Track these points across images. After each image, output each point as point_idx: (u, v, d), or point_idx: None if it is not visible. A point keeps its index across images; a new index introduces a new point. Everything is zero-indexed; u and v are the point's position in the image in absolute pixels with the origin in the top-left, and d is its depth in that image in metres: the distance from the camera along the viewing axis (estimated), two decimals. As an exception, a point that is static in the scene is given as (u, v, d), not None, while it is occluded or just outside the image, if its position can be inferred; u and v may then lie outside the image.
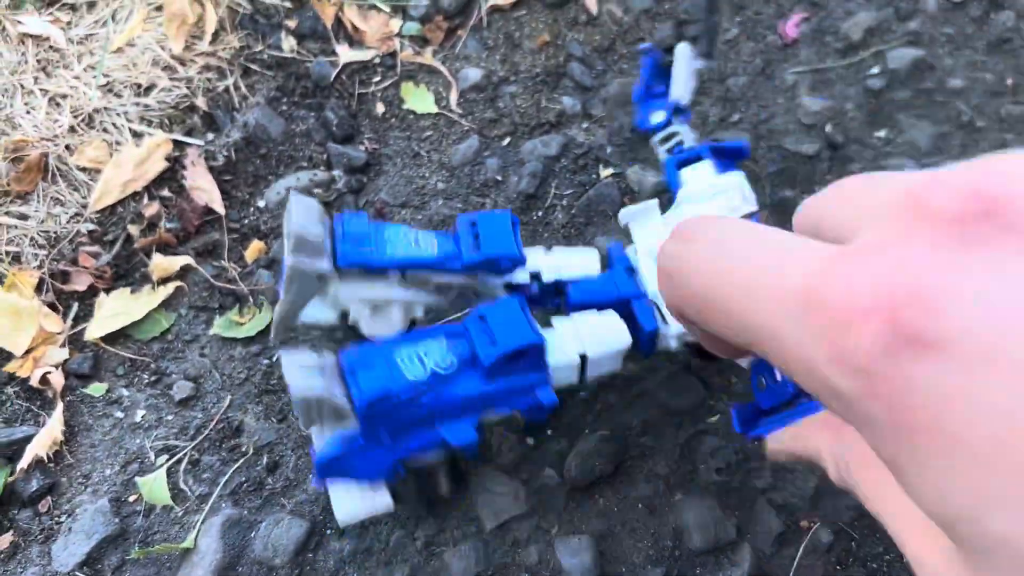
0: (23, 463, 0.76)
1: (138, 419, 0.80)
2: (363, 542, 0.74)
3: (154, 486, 0.76)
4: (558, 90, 0.97)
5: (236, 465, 0.78)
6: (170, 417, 0.80)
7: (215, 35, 0.95)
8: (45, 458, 0.77)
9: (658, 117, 0.76)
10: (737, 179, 0.68)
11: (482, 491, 0.75)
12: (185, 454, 0.78)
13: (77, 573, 0.73)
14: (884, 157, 0.91)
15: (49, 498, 0.77)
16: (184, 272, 0.86)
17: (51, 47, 0.93)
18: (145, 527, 0.76)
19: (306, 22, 0.98)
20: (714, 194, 0.68)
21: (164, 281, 0.85)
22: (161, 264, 0.85)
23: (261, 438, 0.79)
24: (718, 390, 0.80)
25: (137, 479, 0.77)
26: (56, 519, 0.76)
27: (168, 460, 0.78)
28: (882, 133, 0.94)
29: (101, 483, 0.77)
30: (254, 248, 0.87)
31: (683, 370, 0.80)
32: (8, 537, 0.75)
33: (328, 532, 0.74)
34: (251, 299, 0.85)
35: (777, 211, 0.88)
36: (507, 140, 0.94)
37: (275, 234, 0.89)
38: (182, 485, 0.77)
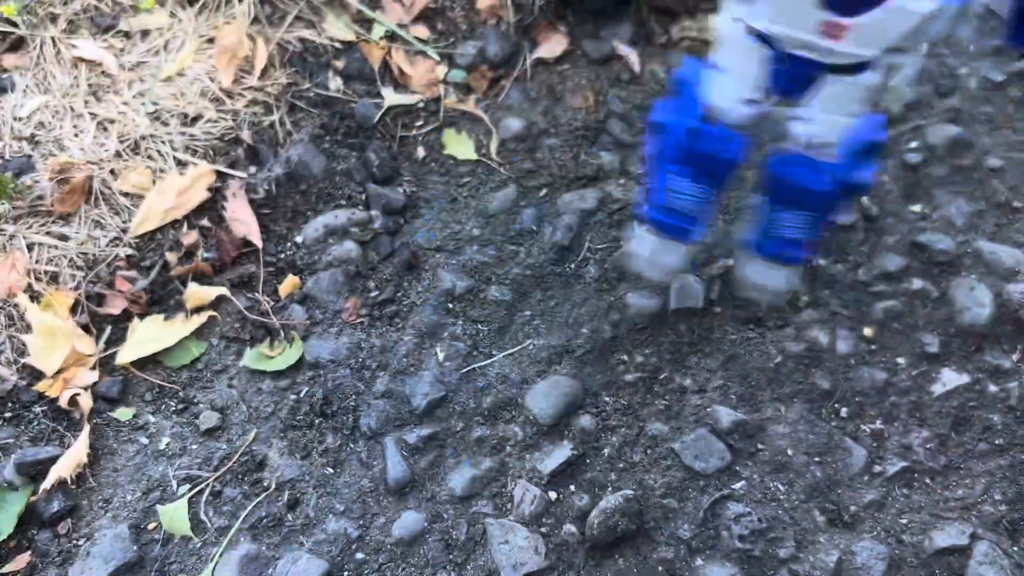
0: (46, 484, 0.76)
1: (163, 446, 0.80)
2: (380, 586, 0.74)
3: (174, 515, 0.76)
4: (597, 145, 0.98)
5: (257, 499, 0.78)
6: (195, 446, 0.80)
7: (264, 70, 0.96)
8: (68, 480, 0.77)
9: None
10: None
11: (502, 542, 0.74)
12: (207, 485, 0.78)
13: (92, 599, 0.73)
14: (919, 232, 0.92)
15: (69, 520, 0.77)
16: (218, 302, 0.87)
17: (103, 72, 0.95)
18: (163, 556, 0.75)
19: (353, 63, 1.00)
20: None
21: (197, 310, 0.86)
22: (196, 293, 0.86)
23: (284, 474, 0.79)
24: (744, 456, 0.79)
25: (158, 507, 0.77)
26: (75, 542, 0.76)
27: (190, 490, 0.78)
28: (918, 207, 0.94)
29: (121, 508, 0.77)
30: (289, 283, 0.88)
31: (710, 432, 0.80)
32: (26, 557, 0.75)
33: (346, 574, 0.74)
34: (282, 333, 0.86)
35: (808, 278, 0.89)
36: (544, 191, 0.95)
37: (310, 270, 0.89)
38: (202, 516, 0.77)
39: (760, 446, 0.80)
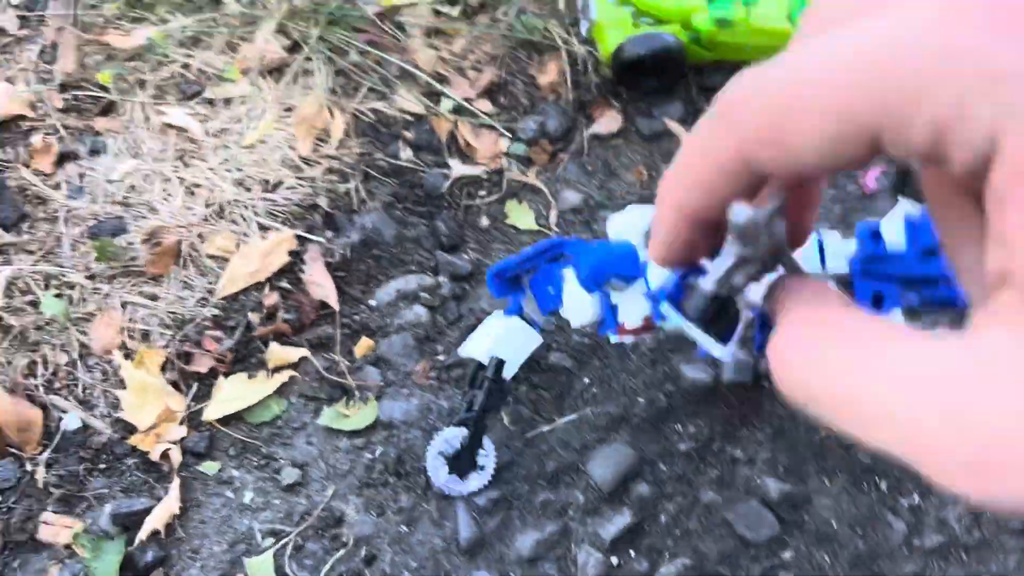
0: (141, 534, 0.82)
1: (247, 500, 0.86)
2: (454, 642, 0.79)
3: (261, 568, 0.81)
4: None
5: (337, 555, 0.83)
6: (277, 501, 0.86)
7: (340, 140, 1.02)
8: (160, 531, 0.82)
9: None
10: None
11: (568, 604, 0.80)
12: (290, 539, 0.83)
13: (185, 646, 0.78)
14: (955, 314, 0.98)
15: (161, 569, 0.82)
16: (298, 362, 0.92)
17: (189, 138, 1.01)
18: (249, 606, 0.80)
19: (423, 135, 1.06)
20: None
21: (278, 369, 0.91)
22: (278, 353, 0.91)
23: (361, 530, 0.84)
24: (792, 526, 0.85)
25: (245, 560, 0.82)
26: (166, 591, 0.81)
27: (274, 543, 0.83)
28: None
29: (209, 559, 0.83)
30: (363, 345, 0.94)
31: (760, 503, 0.86)
32: (121, 604, 0.80)
33: (421, 629, 0.79)
34: (357, 393, 0.91)
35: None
36: (601, 263, 1.01)
37: (383, 332, 0.95)
38: (287, 570, 0.82)
39: (807, 517, 0.86)
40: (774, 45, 1.08)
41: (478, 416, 0.81)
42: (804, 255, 0.74)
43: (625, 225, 0.77)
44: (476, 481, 0.85)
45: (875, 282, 0.75)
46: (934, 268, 0.73)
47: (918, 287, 0.76)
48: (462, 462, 0.83)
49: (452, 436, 0.83)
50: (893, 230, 0.73)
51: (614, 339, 0.73)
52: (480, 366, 0.82)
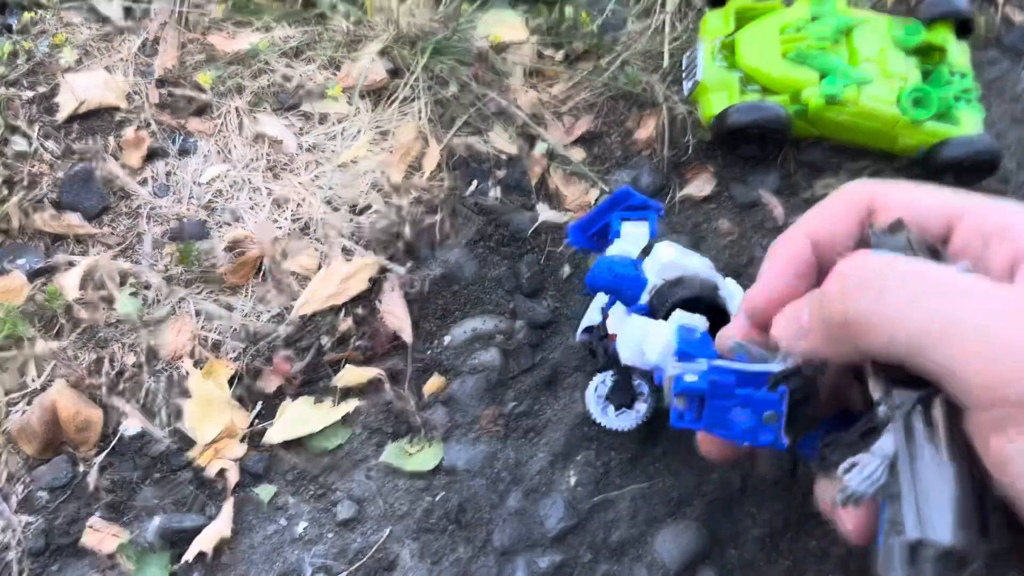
0: (189, 556, 0.78)
1: (300, 531, 0.82)
2: None
3: (309, 605, 0.78)
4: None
5: (388, 600, 0.79)
6: (331, 535, 0.82)
7: (432, 171, 1.00)
8: (208, 553, 0.79)
9: None
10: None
11: None
12: (342, 578, 0.80)
13: (222, 678, 0.74)
14: None
15: (204, 593, 0.79)
16: (365, 391, 0.89)
17: (282, 151, 0.99)
18: (291, 644, 0.77)
19: (513, 175, 1.04)
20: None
21: (346, 393, 0.88)
22: (351, 372, 0.88)
23: (414, 577, 0.81)
24: (865, 632, 0.81)
25: (292, 593, 0.78)
26: (208, 616, 0.77)
27: (324, 580, 0.80)
28: None
29: (255, 588, 0.79)
30: (434, 382, 0.91)
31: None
32: (160, 625, 0.77)
33: None
34: (423, 431, 0.88)
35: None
36: (683, 328, 0.98)
37: (455, 372, 0.92)
38: (336, 610, 0.78)
39: None
40: (879, 129, 1.06)
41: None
42: None
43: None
44: (632, 419, 0.85)
45: None
46: None
47: None
48: (617, 398, 0.85)
49: (605, 378, 0.85)
50: None
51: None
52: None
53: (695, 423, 0.65)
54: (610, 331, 0.86)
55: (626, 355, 0.78)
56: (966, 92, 1.09)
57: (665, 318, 0.74)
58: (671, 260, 0.77)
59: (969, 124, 1.07)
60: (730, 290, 0.79)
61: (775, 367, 0.68)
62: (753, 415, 0.64)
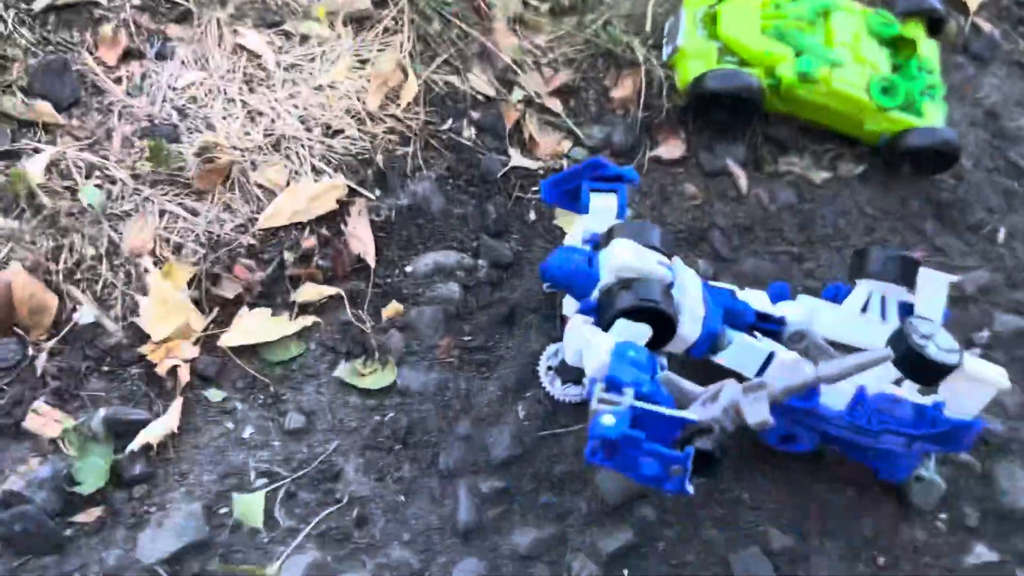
0: (134, 445, 0.78)
1: (246, 436, 0.82)
2: (433, 623, 0.76)
3: (249, 506, 0.78)
4: (696, 251, 1.03)
5: (329, 510, 0.80)
6: (276, 443, 0.83)
7: (408, 104, 1.01)
8: (153, 446, 0.79)
9: None
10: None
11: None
12: (284, 484, 0.80)
13: (157, 568, 0.74)
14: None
15: (145, 485, 0.78)
16: (323, 309, 0.90)
17: (260, 65, 0.99)
18: (228, 543, 0.77)
19: (488, 118, 1.05)
20: None
21: (304, 309, 0.89)
22: (311, 289, 0.88)
23: (356, 491, 0.81)
24: (789, 580, 0.84)
25: (234, 494, 0.79)
26: (147, 508, 0.77)
27: (267, 485, 0.80)
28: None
29: (196, 486, 0.79)
30: (392, 308, 0.91)
31: (760, 550, 0.84)
32: (98, 512, 0.76)
33: (402, 603, 0.76)
34: (377, 354, 0.89)
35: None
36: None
37: (413, 300, 0.93)
38: (276, 514, 0.79)
39: (801, 574, 0.84)
40: (847, 112, 1.09)
41: None
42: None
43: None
44: (578, 392, 0.87)
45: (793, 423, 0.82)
46: (865, 440, 0.80)
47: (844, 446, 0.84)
48: (567, 373, 0.87)
49: (557, 349, 0.87)
50: (838, 396, 0.79)
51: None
52: None
53: (606, 462, 0.68)
54: (565, 312, 0.87)
55: (569, 354, 0.80)
56: (932, 88, 1.13)
57: (607, 328, 0.75)
58: (624, 263, 0.77)
59: (933, 117, 1.11)
60: (683, 283, 0.80)
61: (696, 411, 0.70)
62: (661, 465, 0.67)
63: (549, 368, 0.88)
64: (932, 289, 0.89)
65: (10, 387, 0.79)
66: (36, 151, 0.87)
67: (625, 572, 0.81)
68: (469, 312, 0.94)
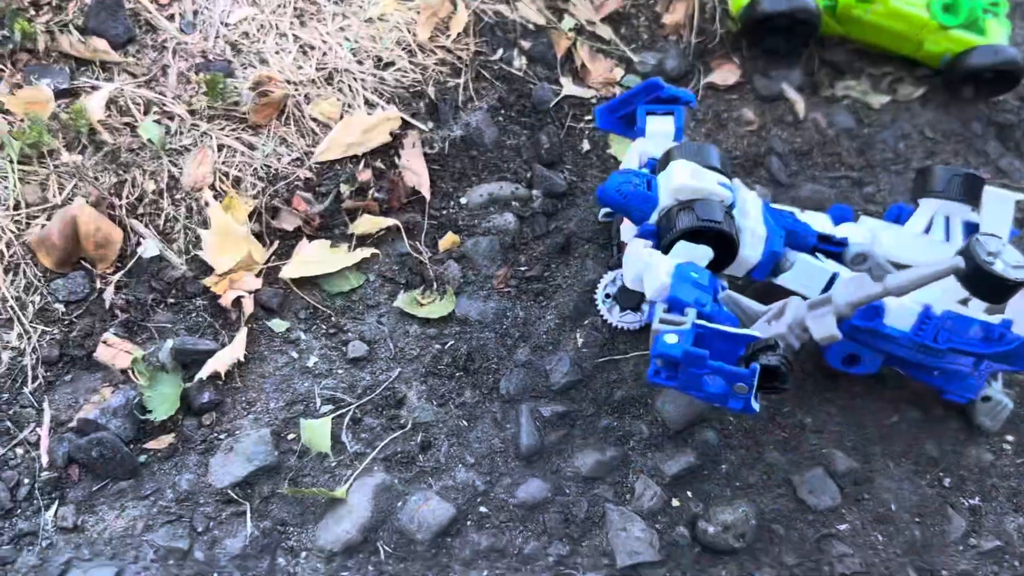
0: (202, 374, 0.79)
1: (310, 364, 0.83)
2: (499, 540, 0.77)
3: (317, 431, 0.79)
4: (753, 177, 1.02)
5: (394, 435, 0.81)
6: (340, 371, 0.84)
7: (458, 34, 1.00)
8: (220, 375, 0.80)
9: None
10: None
11: (620, 529, 0.78)
12: (350, 410, 0.81)
13: (229, 491, 0.76)
14: None
15: (214, 413, 0.80)
16: (380, 241, 0.90)
17: (310, 0, 0.98)
18: (297, 467, 0.79)
19: (539, 47, 1.04)
20: None
21: (362, 241, 0.89)
22: (368, 221, 0.89)
23: (420, 416, 0.82)
24: (852, 500, 0.83)
25: (301, 420, 0.80)
26: (217, 435, 0.79)
27: (333, 411, 0.81)
28: None
29: (263, 414, 0.81)
30: (448, 239, 0.91)
31: (824, 472, 0.84)
32: (169, 439, 0.78)
33: (469, 523, 0.77)
34: (435, 284, 0.89)
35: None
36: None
37: (469, 232, 0.93)
38: (343, 438, 0.80)
39: (867, 495, 0.84)
40: (905, 32, 1.06)
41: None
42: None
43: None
44: (637, 320, 0.87)
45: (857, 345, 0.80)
46: (930, 360, 0.78)
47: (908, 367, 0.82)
48: (624, 300, 0.87)
49: (616, 276, 0.87)
50: (904, 316, 0.77)
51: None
52: None
53: (670, 381, 0.67)
54: (623, 239, 0.86)
55: (628, 278, 0.79)
56: (995, 5, 1.09)
57: (667, 251, 0.74)
58: (682, 184, 0.76)
59: (996, 36, 1.07)
60: (744, 203, 0.79)
61: (760, 329, 0.69)
62: (726, 382, 0.66)
63: (607, 296, 0.88)
64: (998, 207, 0.87)
65: (80, 319, 0.81)
66: (95, 88, 0.87)
67: (688, 493, 0.82)
68: (524, 242, 0.94)
